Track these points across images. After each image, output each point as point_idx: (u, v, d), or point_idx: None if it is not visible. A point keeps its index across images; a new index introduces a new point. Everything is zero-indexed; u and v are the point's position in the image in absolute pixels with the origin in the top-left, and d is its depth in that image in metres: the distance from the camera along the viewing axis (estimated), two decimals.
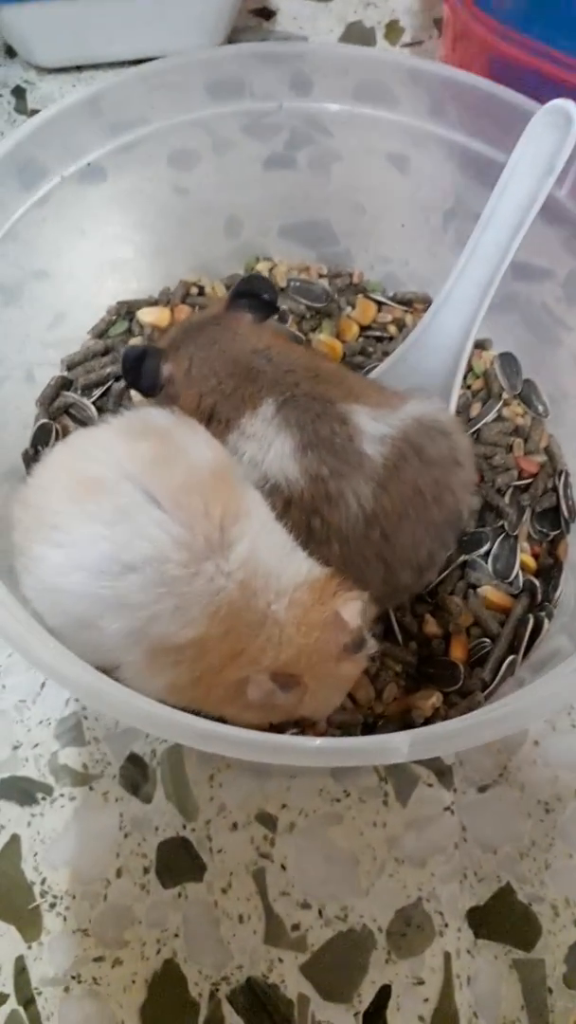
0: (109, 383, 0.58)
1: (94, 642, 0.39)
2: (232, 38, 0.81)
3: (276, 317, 0.59)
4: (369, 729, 0.48)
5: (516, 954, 0.46)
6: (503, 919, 0.47)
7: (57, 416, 0.57)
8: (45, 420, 0.55)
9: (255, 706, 0.39)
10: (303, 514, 0.43)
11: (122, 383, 0.58)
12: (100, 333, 0.61)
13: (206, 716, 0.38)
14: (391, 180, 0.59)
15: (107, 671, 0.38)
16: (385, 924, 0.46)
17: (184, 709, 0.37)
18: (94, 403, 0.57)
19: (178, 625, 0.38)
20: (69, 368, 0.59)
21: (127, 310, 0.62)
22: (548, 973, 0.46)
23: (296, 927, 0.46)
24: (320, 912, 0.46)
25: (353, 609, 0.40)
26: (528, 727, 0.51)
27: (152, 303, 0.62)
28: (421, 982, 0.45)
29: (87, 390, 0.58)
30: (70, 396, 0.57)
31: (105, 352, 0.60)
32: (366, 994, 0.45)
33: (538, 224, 0.50)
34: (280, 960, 0.45)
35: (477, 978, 0.45)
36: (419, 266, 0.63)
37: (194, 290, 0.63)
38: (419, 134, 0.56)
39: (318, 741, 0.34)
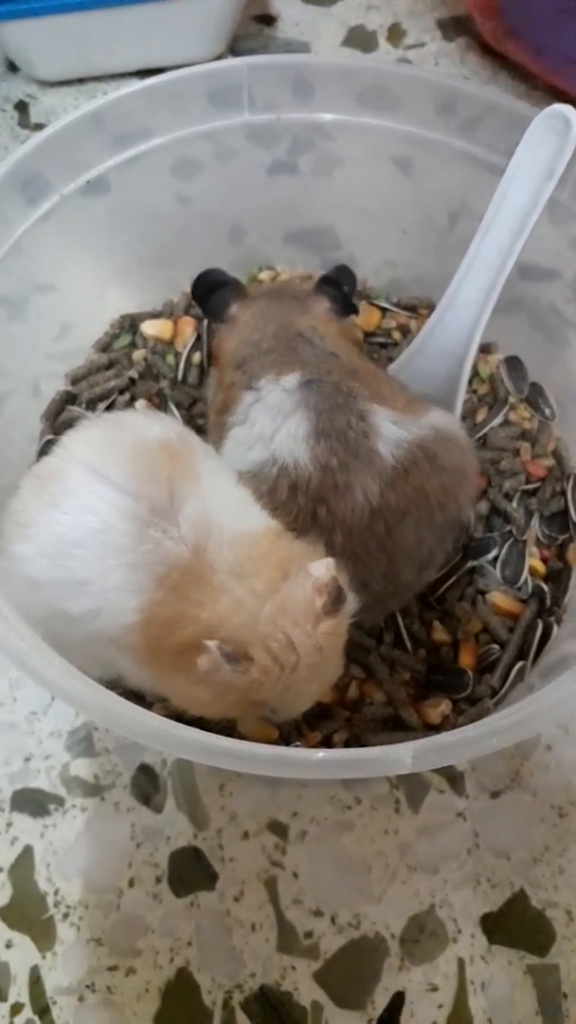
0: (113, 397, 0.58)
1: (68, 632, 0.39)
2: (234, 45, 0.81)
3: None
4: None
5: (530, 959, 0.46)
6: (517, 925, 0.47)
7: (62, 431, 0.57)
8: (51, 436, 0.56)
9: (205, 681, 0.36)
10: (309, 502, 0.43)
11: (126, 396, 0.59)
12: (104, 347, 0.61)
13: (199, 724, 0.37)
14: (395, 184, 0.59)
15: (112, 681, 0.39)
16: (398, 931, 0.46)
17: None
18: None
19: (129, 595, 0.38)
20: (73, 382, 0.59)
21: (130, 323, 0.62)
22: (563, 978, 0.45)
23: (309, 935, 0.46)
24: (333, 920, 0.47)
25: (324, 565, 0.37)
26: (536, 734, 0.51)
27: (155, 315, 0.62)
28: (435, 988, 0.45)
29: (92, 404, 0.58)
30: (75, 410, 0.57)
31: (109, 366, 0.60)
32: (380, 1001, 0.45)
33: (544, 224, 0.50)
34: (293, 968, 0.45)
35: (491, 984, 0.45)
36: (425, 270, 0.63)
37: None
38: (422, 139, 0.56)
39: (321, 753, 0.34)
